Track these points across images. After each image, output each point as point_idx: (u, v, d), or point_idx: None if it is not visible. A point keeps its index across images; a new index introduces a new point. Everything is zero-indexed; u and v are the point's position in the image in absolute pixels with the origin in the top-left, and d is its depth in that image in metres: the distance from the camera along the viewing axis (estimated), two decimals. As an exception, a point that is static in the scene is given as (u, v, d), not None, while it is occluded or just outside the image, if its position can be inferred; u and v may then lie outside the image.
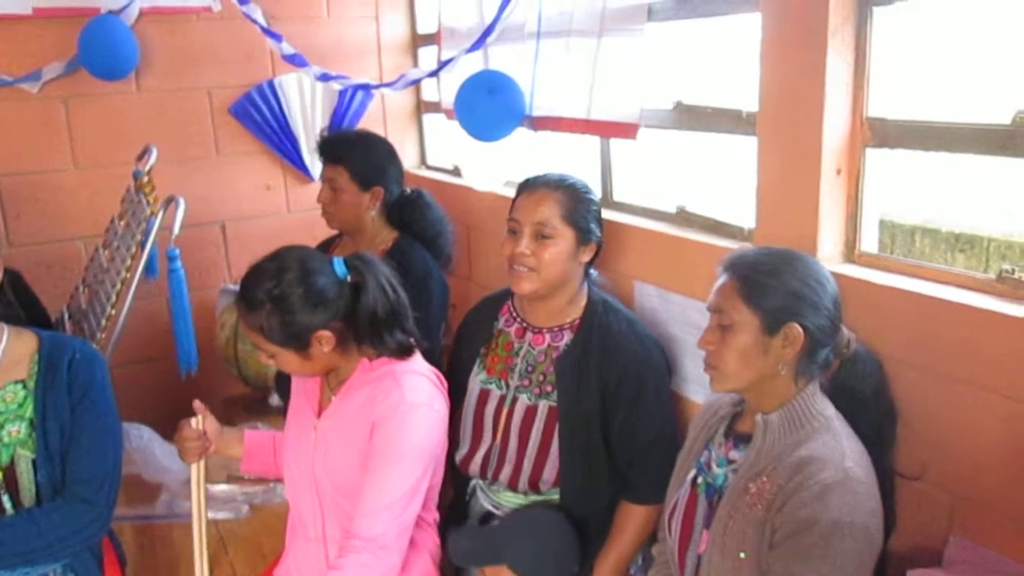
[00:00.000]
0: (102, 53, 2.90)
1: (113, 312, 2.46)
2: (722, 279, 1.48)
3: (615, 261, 2.23)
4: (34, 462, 1.68)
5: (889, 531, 1.43)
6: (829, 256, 1.71)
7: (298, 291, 1.59)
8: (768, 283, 1.41)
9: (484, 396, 1.98)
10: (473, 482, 2.07)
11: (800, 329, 1.40)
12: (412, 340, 1.72)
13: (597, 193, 2.00)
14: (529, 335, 1.97)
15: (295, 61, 2.90)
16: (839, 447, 1.37)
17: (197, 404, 1.83)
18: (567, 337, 1.92)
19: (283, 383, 2.64)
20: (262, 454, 1.93)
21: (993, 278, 1.47)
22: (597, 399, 1.86)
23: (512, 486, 1.95)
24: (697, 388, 2.04)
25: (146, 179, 2.55)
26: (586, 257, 1.92)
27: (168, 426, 2.55)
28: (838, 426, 1.41)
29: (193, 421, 1.82)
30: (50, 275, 3.05)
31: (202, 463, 1.84)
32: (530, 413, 1.91)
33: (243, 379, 3.10)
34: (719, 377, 1.47)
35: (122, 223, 2.62)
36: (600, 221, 1.94)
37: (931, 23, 1.69)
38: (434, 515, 1.88)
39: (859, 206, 1.70)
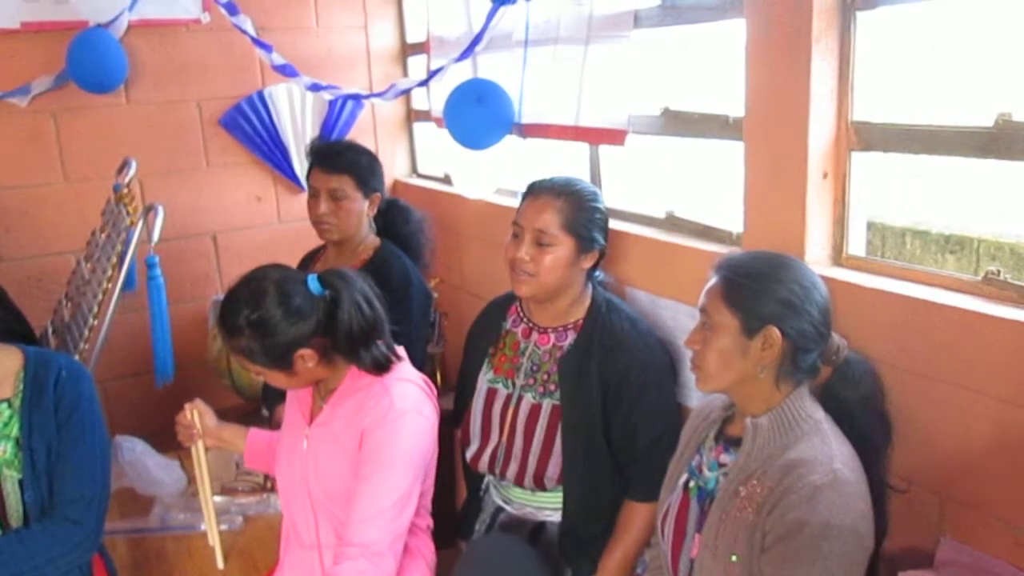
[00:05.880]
0: (91, 66, 2.90)
1: (95, 323, 2.45)
2: (710, 281, 1.49)
3: (606, 267, 2.23)
4: (20, 482, 1.66)
5: (882, 536, 1.43)
6: (816, 259, 1.71)
7: (276, 314, 1.60)
8: (749, 286, 1.42)
9: (492, 395, 2.01)
10: (487, 478, 2.10)
11: (778, 333, 1.40)
12: (390, 356, 1.72)
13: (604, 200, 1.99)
14: (535, 335, 1.99)
15: (286, 71, 2.91)
16: (828, 449, 1.37)
17: (188, 405, 1.94)
18: (571, 337, 1.94)
19: (269, 395, 2.65)
20: (262, 452, 1.97)
21: (979, 280, 1.48)
22: (598, 398, 1.87)
23: (519, 483, 1.97)
24: (690, 393, 2.04)
25: (126, 191, 2.55)
26: (587, 264, 1.93)
27: (161, 439, 2.57)
28: (827, 429, 1.42)
29: (186, 412, 1.92)
30: (40, 288, 3.04)
31: (200, 445, 1.95)
32: (534, 411, 1.93)
33: (236, 390, 3.10)
34: (702, 377, 1.48)
35: (103, 235, 2.62)
36: (605, 228, 1.94)
37: (914, 28, 1.70)
38: (428, 521, 1.89)
39: (846, 209, 1.71)
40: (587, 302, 1.97)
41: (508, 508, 2.04)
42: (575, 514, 1.93)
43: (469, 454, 2.05)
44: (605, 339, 1.89)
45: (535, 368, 1.97)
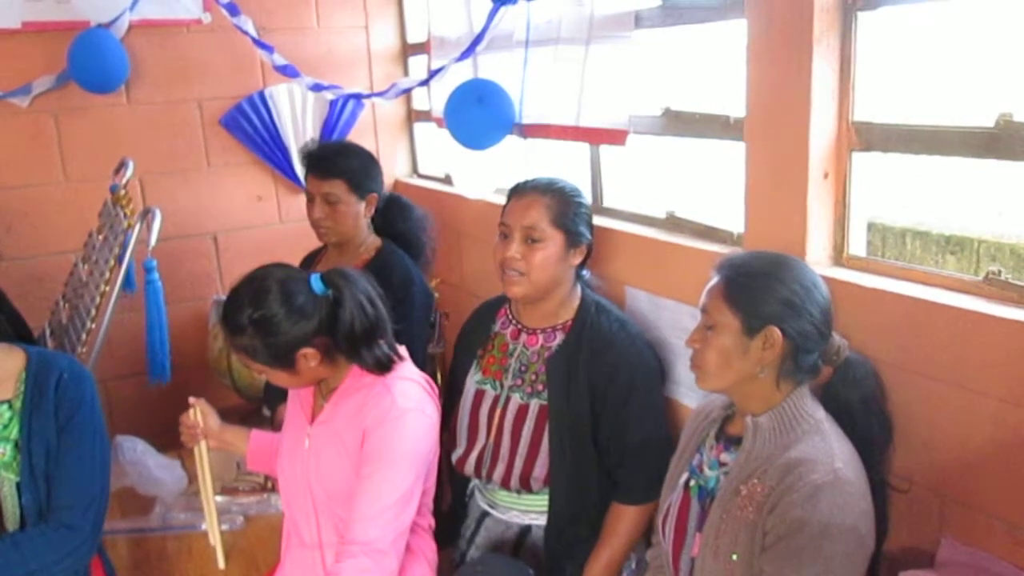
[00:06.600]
0: (92, 66, 2.91)
1: (93, 326, 2.45)
2: (712, 280, 1.49)
3: (606, 266, 2.24)
4: (18, 485, 1.65)
5: (883, 536, 1.43)
6: (817, 260, 1.71)
7: (279, 313, 1.61)
8: (750, 286, 1.42)
9: (479, 396, 2.01)
10: (472, 482, 2.10)
11: (779, 333, 1.40)
12: (392, 355, 1.72)
13: (588, 197, 2.01)
14: (524, 336, 1.99)
15: (287, 72, 2.91)
16: (829, 448, 1.37)
17: (192, 400, 1.95)
18: (559, 338, 1.94)
19: (270, 395, 2.65)
20: (266, 454, 1.97)
21: (980, 280, 1.48)
22: (586, 399, 1.88)
23: (505, 485, 1.97)
24: (688, 392, 2.04)
25: (123, 192, 2.55)
26: (576, 260, 1.94)
27: (162, 438, 2.57)
28: (828, 428, 1.42)
29: (190, 412, 1.94)
30: (41, 289, 3.05)
31: (203, 445, 1.98)
32: (522, 412, 1.94)
33: (237, 390, 3.10)
34: (702, 376, 1.48)
35: (100, 237, 2.62)
36: (590, 223, 1.96)
37: (915, 28, 1.70)
38: (429, 521, 1.89)
39: (847, 210, 1.71)
40: (576, 303, 1.97)
41: (493, 512, 2.04)
42: (561, 516, 1.93)
43: (455, 457, 2.04)
44: (594, 340, 1.90)
45: (523, 369, 1.97)
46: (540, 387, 1.93)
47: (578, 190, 1.96)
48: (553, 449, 1.90)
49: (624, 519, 1.91)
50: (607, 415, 1.88)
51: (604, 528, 1.93)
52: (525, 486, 1.94)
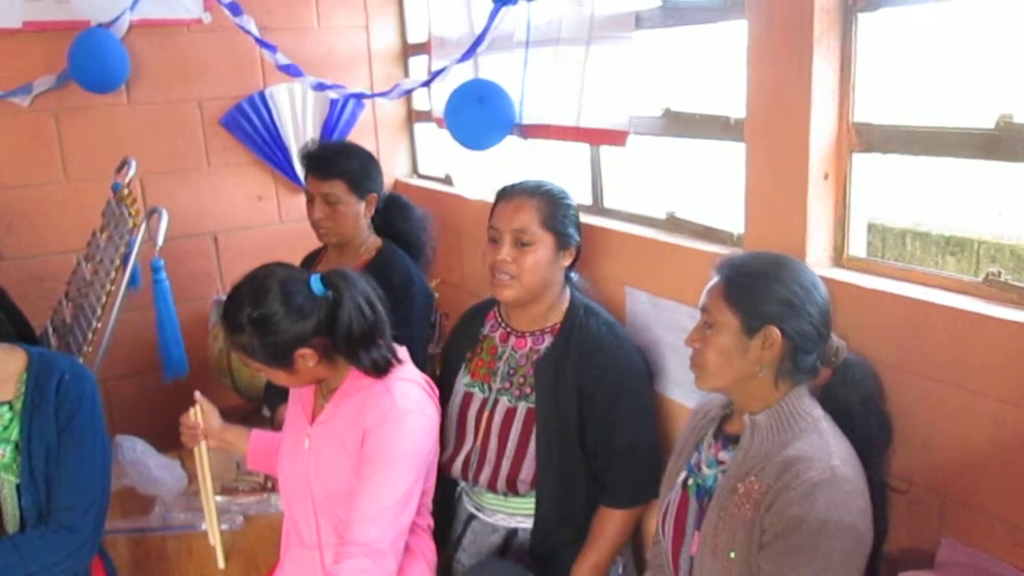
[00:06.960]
0: (92, 66, 2.91)
1: (99, 326, 2.45)
2: (712, 280, 1.50)
3: (606, 266, 2.24)
4: (18, 487, 1.65)
5: (882, 536, 1.43)
6: (817, 261, 1.72)
7: (277, 313, 1.61)
8: (750, 286, 1.43)
9: (467, 399, 2.01)
10: (460, 485, 2.10)
11: (778, 333, 1.41)
12: (389, 358, 1.72)
13: (578, 199, 2.01)
14: (512, 339, 2.00)
15: (290, 71, 2.91)
16: (826, 446, 1.38)
17: (197, 395, 1.95)
18: (548, 341, 1.95)
19: (270, 395, 2.65)
20: (266, 454, 1.97)
21: (980, 281, 1.48)
22: (574, 402, 1.88)
23: (491, 487, 1.97)
24: (686, 392, 2.04)
25: (126, 191, 2.55)
26: (566, 262, 1.95)
27: (162, 438, 2.57)
28: (826, 426, 1.42)
29: (191, 412, 1.93)
30: (42, 288, 3.04)
31: (203, 445, 1.97)
32: (510, 415, 1.94)
33: (237, 390, 3.10)
34: (701, 375, 1.49)
35: (104, 236, 2.61)
36: (578, 225, 1.96)
37: (916, 29, 1.70)
38: (428, 521, 1.90)
39: (847, 210, 1.71)
40: (565, 306, 1.98)
41: (480, 515, 2.04)
42: (548, 519, 1.93)
43: (443, 459, 2.04)
44: (582, 343, 1.90)
45: (511, 372, 1.97)
46: (528, 390, 1.93)
47: (566, 192, 1.96)
48: (540, 452, 1.90)
49: (611, 523, 1.91)
50: (595, 418, 1.88)
51: (591, 532, 1.93)
52: (512, 489, 1.94)
